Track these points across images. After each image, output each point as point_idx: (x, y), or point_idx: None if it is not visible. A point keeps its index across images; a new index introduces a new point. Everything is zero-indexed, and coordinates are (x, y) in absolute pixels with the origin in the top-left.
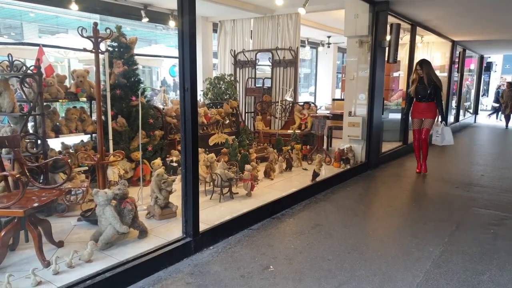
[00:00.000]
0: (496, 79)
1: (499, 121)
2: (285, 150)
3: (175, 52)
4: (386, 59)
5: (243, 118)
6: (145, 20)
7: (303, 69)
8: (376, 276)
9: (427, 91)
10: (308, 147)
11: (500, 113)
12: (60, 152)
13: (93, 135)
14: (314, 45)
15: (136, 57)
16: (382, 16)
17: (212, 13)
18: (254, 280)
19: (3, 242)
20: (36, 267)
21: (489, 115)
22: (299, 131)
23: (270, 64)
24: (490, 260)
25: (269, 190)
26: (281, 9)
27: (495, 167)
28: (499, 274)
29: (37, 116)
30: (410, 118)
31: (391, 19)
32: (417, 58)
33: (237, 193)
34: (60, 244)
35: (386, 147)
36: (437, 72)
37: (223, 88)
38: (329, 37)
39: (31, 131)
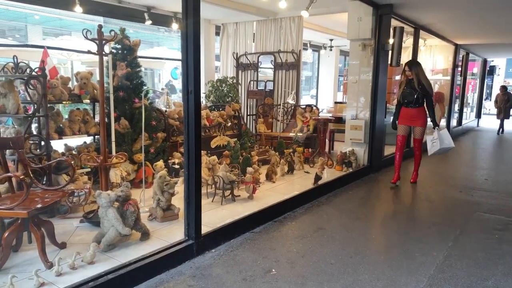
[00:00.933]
0: (499, 83)
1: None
2: (287, 153)
3: (177, 55)
4: (389, 62)
5: (245, 121)
6: (148, 22)
7: (304, 72)
8: (379, 281)
9: (414, 95)
10: (310, 150)
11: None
12: (63, 154)
13: (96, 136)
14: (316, 48)
15: (138, 59)
16: (386, 19)
17: (215, 16)
18: (256, 283)
19: (6, 243)
20: (39, 268)
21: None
22: (301, 134)
23: (273, 66)
24: (495, 266)
25: (271, 193)
26: (284, 12)
27: (499, 171)
28: (504, 279)
29: (40, 117)
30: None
31: (394, 22)
32: (420, 61)
33: (239, 195)
34: (62, 246)
35: (389, 150)
36: (439, 76)
37: (225, 91)
38: (331, 40)
39: (34, 133)
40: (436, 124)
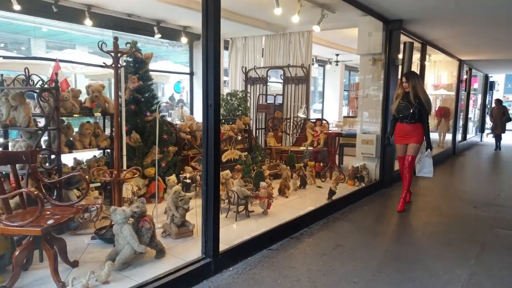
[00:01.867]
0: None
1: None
2: (298, 167)
3: (182, 69)
4: (399, 77)
5: (255, 135)
6: (158, 36)
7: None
8: None
9: (410, 109)
10: (321, 164)
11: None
12: (73, 168)
13: (106, 150)
14: (322, 62)
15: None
16: (395, 34)
17: (224, 30)
18: None
19: (16, 262)
20: None
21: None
22: (311, 148)
23: (282, 81)
24: None
25: (285, 209)
26: (294, 27)
27: (510, 186)
28: None
29: (50, 131)
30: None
31: (402, 38)
32: (426, 77)
33: (253, 211)
34: (75, 264)
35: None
36: (442, 91)
37: (235, 104)
38: (337, 55)
39: (43, 146)
40: (430, 147)
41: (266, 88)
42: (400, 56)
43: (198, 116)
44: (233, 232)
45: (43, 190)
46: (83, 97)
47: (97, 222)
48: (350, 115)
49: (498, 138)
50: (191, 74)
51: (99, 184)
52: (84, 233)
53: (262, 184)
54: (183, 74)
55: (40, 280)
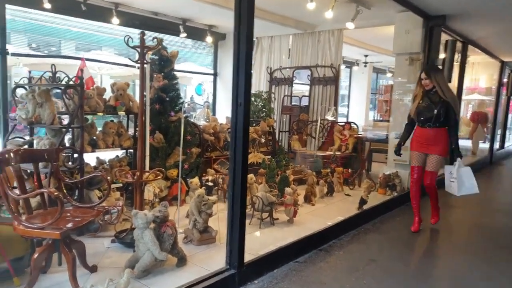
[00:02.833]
0: None
1: None
2: (324, 172)
3: (205, 71)
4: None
5: (278, 138)
6: (183, 35)
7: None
8: None
9: (434, 111)
10: (349, 170)
11: None
12: (95, 168)
13: (129, 150)
14: (349, 64)
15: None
16: (436, 31)
17: None
18: None
19: (35, 265)
20: None
21: None
22: (338, 153)
23: (309, 81)
24: None
25: (311, 217)
26: (324, 25)
27: None
28: None
29: (74, 129)
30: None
31: (442, 36)
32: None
33: (277, 218)
34: (93, 269)
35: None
36: (477, 96)
37: (259, 106)
38: (366, 56)
39: (67, 145)
40: (459, 154)
41: (291, 89)
42: (441, 55)
43: (221, 118)
44: (257, 240)
45: (64, 190)
46: (107, 95)
47: (118, 224)
48: (378, 119)
49: None
50: (215, 75)
51: (120, 185)
52: (104, 236)
53: (288, 190)
54: (206, 74)
55: (57, 284)
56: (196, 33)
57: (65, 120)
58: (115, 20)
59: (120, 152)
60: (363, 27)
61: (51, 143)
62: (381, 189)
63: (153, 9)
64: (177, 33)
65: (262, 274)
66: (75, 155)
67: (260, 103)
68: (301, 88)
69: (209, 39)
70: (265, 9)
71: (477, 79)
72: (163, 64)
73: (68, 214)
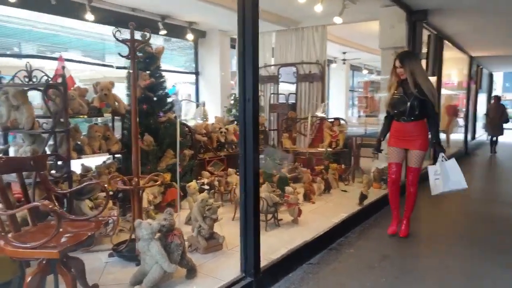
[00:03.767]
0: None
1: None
2: (318, 169)
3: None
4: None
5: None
6: (163, 32)
7: None
8: None
9: (407, 103)
10: (343, 166)
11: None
12: (83, 176)
13: (116, 156)
14: (328, 61)
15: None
16: (419, 26)
17: (231, 27)
18: None
19: None
20: None
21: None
22: (330, 149)
23: (295, 78)
24: None
25: (314, 216)
26: (307, 21)
27: None
28: None
29: (57, 134)
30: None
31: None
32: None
33: (281, 219)
34: None
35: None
36: (454, 91)
37: None
38: (344, 53)
39: (47, 151)
40: (440, 148)
41: (277, 87)
42: (424, 49)
43: (209, 117)
44: (265, 244)
45: (55, 202)
46: (89, 97)
47: (113, 236)
48: (360, 115)
49: (494, 140)
50: (197, 73)
51: (111, 193)
52: (99, 250)
53: (288, 189)
54: (187, 74)
55: None
56: (175, 30)
57: (45, 124)
58: (89, 16)
59: (106, 158)
60: (347, 22)
61: (33, 150)
62: (376, 183)
63: (130, 4)
64: (156, 31)
65: (278, 279)
66: (59, 163)
67: None
68: (287, 87)
69: (189, 36)
70: None
71: (449, 74)
72: (148, 61)
73: (61, 229)
